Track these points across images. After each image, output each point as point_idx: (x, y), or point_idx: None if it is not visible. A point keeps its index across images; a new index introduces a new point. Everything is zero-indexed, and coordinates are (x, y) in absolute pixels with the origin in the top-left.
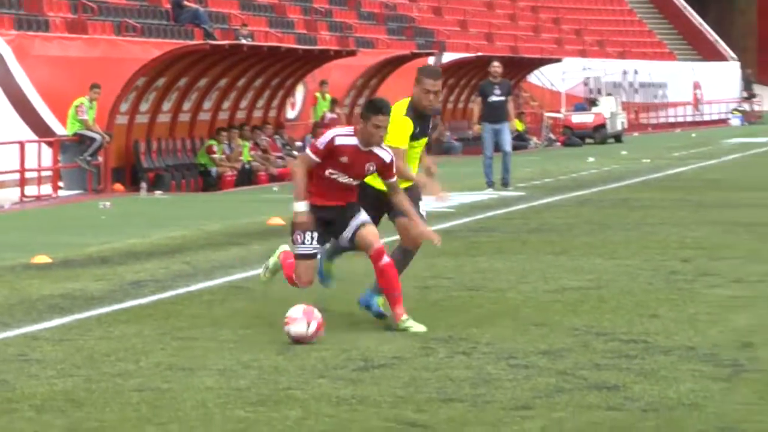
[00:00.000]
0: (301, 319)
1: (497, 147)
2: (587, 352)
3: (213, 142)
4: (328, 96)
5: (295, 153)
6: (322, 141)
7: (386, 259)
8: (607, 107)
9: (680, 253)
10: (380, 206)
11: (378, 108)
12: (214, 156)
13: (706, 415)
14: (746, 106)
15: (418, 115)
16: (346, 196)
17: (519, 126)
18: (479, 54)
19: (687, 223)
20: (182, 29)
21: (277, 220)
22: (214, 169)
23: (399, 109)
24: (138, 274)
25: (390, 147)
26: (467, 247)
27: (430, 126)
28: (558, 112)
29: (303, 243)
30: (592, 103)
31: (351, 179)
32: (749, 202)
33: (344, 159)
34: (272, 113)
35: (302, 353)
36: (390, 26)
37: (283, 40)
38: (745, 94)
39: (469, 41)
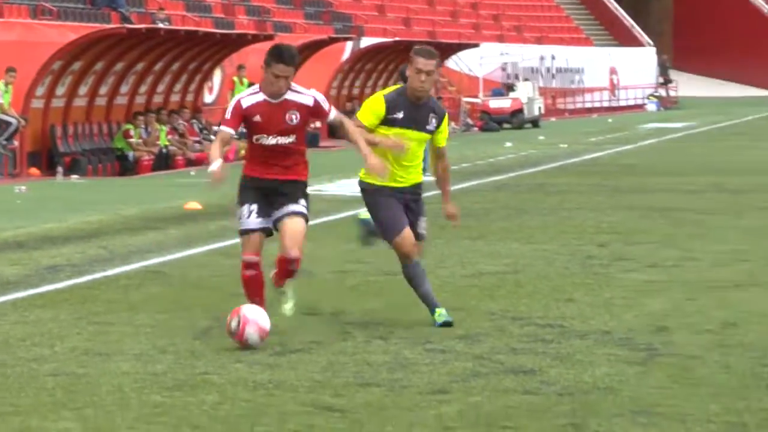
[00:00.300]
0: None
1: None
2: (504, 336)
3: (130, 126)
4: (245, 80)
5: (212, 137)
6: (228, 109)
7: (294, 266)
8: (525, 92)
9: (596, 238)
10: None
11: (278, 55)
12: (131, 140)
13: (621, 399)
14: (662, 92)
15: (410, 102)
16: (284, 166)
17: None
18: (397, 39)
19: (603, 208)
20: (99, 13)
21: (194, 205)
22: (130, 154)
23: (385, 90)
24: (54, 259)
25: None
26: None
27: (432, 120)
28: (476, 97)
29: (240, 218)
30: (510, 88)
31: (278, 138)
32: (664, 188)
33: (257, 118)
34: (190, 97)
35: (219, 338)
36: (308, 11)
37: (200, 24)
38: (661, 80)
39: (387, 26)
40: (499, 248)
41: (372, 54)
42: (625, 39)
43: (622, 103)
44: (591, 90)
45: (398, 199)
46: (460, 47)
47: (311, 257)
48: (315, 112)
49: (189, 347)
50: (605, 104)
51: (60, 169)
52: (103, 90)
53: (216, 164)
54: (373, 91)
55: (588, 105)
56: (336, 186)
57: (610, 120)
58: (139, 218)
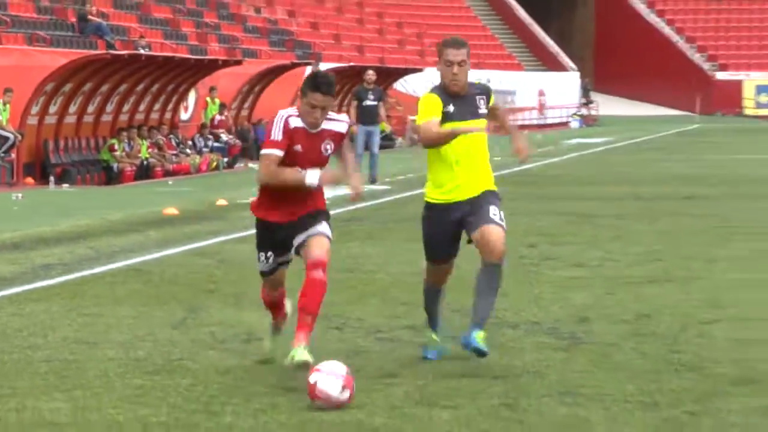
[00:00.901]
0: (337, 380)
1: (367, 147)
2: (445, 327)
3: (114, 140)
4: (217, 100)
5: (188, 151)
6: (276, 130)
7: (320, 273)
8: None
9: (527, 240)
10: (456, 235)
11: (314, 84)
12: (116, 153)
13: (548, 381)
14: (584, 111)
15: (450, 95)
16: (303, 200)
17: (385, 128)
18: (351, 64)
19: (534, 213)
20: (87, 40)
21: (171, 210)
22: (115, 165)
23: (428, 92)
24: (47, 258)
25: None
26: (341, 234)
27: (481, 103)
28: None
29: (259, 261)
30: None
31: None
32: (587, 196)
33: (298, 147)
34: (167, 115)
35: (194, 328)
36: (272, 39)
37: (177, 50)
38: (583, 101)
39: (342, 53)
40: None
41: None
42: (552, 64)
43: (549, 121)
44: (522, 109)
45: (450, 218)
46: (407, 71)
47: None
48: (343, 138)
49: (167, 336)
50: (534, 122)
51: (52, 178)
52: (91, 109)
53: (310, 176)
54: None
55: (519, 122)
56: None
57: (539, 136)
58: (123, 222)
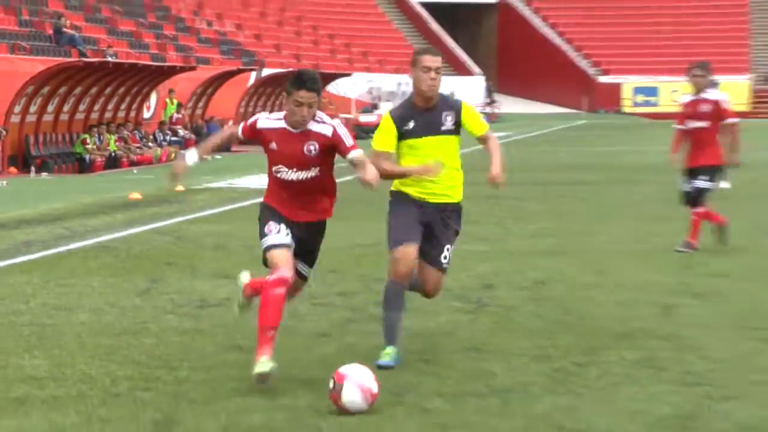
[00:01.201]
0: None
1: None
2: (370, 293)
3: (86, 135)
4: (174, 101)
5: (150, 144)
6: (250, 119)
7: (280, 290)
8: (386, 109)
9: None
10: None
11: (299, 81)
12: (88, 146)
13: (458, 339)
14: (489, 110)
15: (420, 108)
16: (308, 204)
17: None
18: (290, 69)
19: None
20: (62, 50)
21: (135, 195)
22: (87, 156)
23: (388, 113)
24: (28, 236)
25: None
26: None
27: (447, 119)
28: (350, 113)
29: (268, 233)
30: (375, 106)
31: (299, 173)
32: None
33: (273, 145)
34: (132, 114)
35: (156, 296)
36: (222, 48)
37: (140, 58)
38: (488, 100)
39: (282, 60)
40: (367, 227)
41: (270, 81)
42: (461, 70)
43: None
44: None
45: (422, 213)
46: (338, 76)
47: (226, 234)
48: (333, 144)
49: (132, 303)
50: None
51: (33, 168)
52: (66, 108)
53: (191, 155)
54: (273, 109)
55: None
56: (244, 180)
57: None
58: (94, 205)
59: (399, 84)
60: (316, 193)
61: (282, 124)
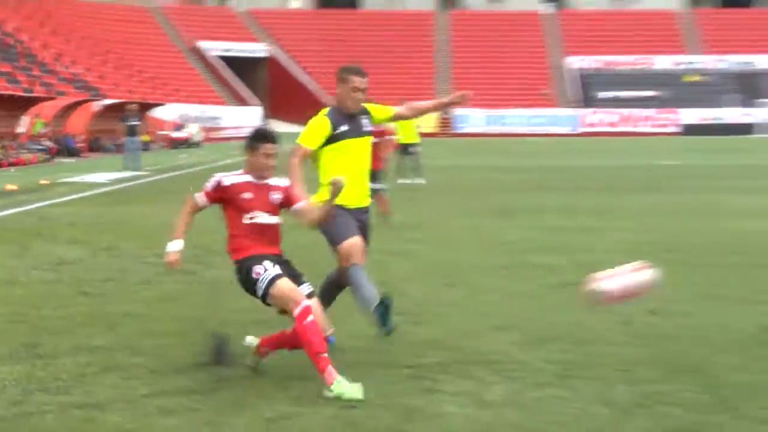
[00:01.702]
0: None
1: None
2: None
3: None
4: (41, 121)
5: (23, 151)
6: (207, 185)
7: (311, 317)
8: (193, 129)
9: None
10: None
11: (265, 136)
12: None
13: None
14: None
15: (348, 114)
16: (276, 244)
17: (147, 139)
18: (123, 100)
19: None
20: None
21: (12, 186)
22: None
23: (321, 112)
24: None
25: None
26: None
27: (364, 120)
28: (165, 130)
29: (266, 271)
30: (183, 126)
31: (270, 216)
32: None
33: (248, 195)
34: (9, 129)
35: (26, 258)
36: (75, 84)
37: (15, 90)
38: (263, 122)
39: (119, 93)
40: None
41: (111, 108)
42: (244, 102)
43: (241, 134)
44: (227, 128)
45: (355, 218)
46: (156, 105)
47: (77, 214)
48: (288, 194)
49: (8, 263)
50: (235, 137)
51: None
52: None
53: (175, 245)
54: (114, 128)
55: (224, 136)
56: (91, 177)
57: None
58: None
59: (202, 111)
60: (278, 233)
61: (247, 177)
